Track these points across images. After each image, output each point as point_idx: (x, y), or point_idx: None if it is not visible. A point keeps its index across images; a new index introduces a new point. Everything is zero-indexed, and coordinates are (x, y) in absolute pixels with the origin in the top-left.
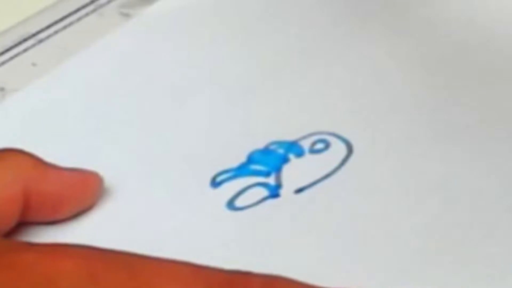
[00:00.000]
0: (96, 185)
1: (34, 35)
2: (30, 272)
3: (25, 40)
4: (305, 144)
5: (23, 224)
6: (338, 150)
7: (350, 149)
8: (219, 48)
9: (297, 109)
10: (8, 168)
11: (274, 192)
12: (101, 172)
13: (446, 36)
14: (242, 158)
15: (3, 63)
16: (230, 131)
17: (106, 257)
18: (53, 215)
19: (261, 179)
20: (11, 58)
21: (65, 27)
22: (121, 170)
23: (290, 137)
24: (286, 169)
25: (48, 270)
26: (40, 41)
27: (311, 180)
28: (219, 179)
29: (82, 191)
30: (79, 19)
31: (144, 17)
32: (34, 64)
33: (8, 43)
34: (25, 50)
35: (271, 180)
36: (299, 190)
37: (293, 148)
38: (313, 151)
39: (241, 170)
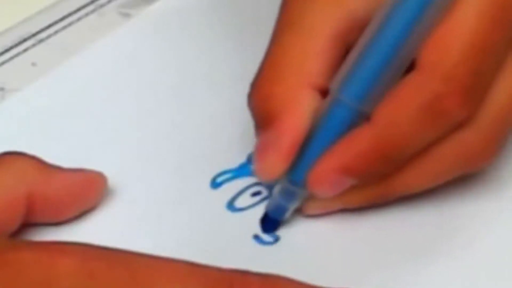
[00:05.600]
0: (100, 186)
1: (34, 35)
2: (29, 271)
3: (25, 40)
4: None
5: (26, 224)
6: None
7: None
8: (219, 48)
9: None
10: (11, 172)
11: None
12: (101, 171)
13: None
14: (242, 158)
15: (3, 63)
16: (230, 131)
17: (105, 256)
18: (57, 217)
19: None
20: (11, 58)
21: (65, 27)
22: (121, 171)
23: None
24: None
25: (47, 269)
26: (40, 41)
27: None
28: (219, 179)
29: (86, 193)
30: (79, 19)
31: (144, 17)
32: (34, 64)
33: (8, 43)
34: (25, 50)
35: None
36: None
37: None
38: None
39: (241, 171)
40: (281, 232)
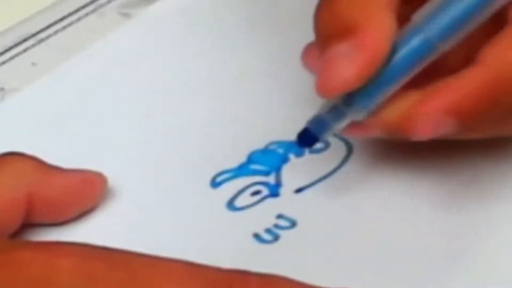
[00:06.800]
0: (100, 186)
1: (34, 35)
2: (29, 271)
3: (25, 40)
4: None
5: (26, 224)
6: (338, 149)
7: (350, 149)
8: (219, 48)
9: (297, 109)
10: (11, 173)
11: (274, 192)
12: (101, 172)
13: None
14: (242, 158)
15: (3, 63)
16: (230, 131)
17: (105, 256)
18: (57, 218)
19: (261, 178)
20: (11, 58)
21: (65, 27)
22: (121, 170)
23: (290, 137)
24: (286, 169)
25: (46, 269)
26: (40, 41)
27: (311, 179)
28: (219, 179)
29: (86, 194)
30: (79, 19)
31: (144, 17)
32: (34, 64)
33: (8, 43)
34: (25, 50)
35: (271, 180)
36: (299, 190)
37: (293, 147)
38: (313, 151)
39: (241, 170)
40: (281, 231)
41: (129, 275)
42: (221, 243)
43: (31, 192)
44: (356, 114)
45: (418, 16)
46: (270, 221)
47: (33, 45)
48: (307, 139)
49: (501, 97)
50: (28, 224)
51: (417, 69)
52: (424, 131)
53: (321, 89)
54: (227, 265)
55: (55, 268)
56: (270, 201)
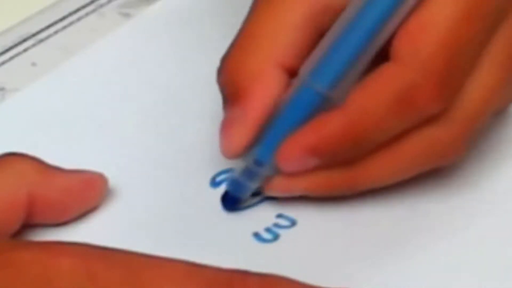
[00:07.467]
0: (101, 187)
1: (34, 35)
2: (29, 271)
3: (25, 40)
4: None
5: (26, 224)
6: None
7: None
8: (218, 48)
9: None
10: (12, 173)
11: None
12: (101, 172)
13: None
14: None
15: (3, 63)
16: None
17: (105, 256)
18: (58, 218)
19: None
20: (11, 58)
21: (65, 27)
22: (121, 171)
23: None
24: None
25: (46, 269)
26: (40, 41)
27: None
28: (219, 179)
29: (86, 195)
30: (79, 19)
31: (144, 17)
32: (34, 64)
33: (8, 43)
34: (25, 50)
35: None
36: None
37: None
38: None
39: None
40: (281, 230)
41: (129, 275)
42: (221, 242)
43: (32, 192)
44: (267, 171)
45: (305, 67)
46: (270, 220)
47: (33, 45)
48: (230, 201)
49: (358, 140)
50: (28, 224)
51: (309, 118)
52: (289, 165)
53: (223, 153)
54: (227, 265)
55: (55, 268)
56: (270, 200)
